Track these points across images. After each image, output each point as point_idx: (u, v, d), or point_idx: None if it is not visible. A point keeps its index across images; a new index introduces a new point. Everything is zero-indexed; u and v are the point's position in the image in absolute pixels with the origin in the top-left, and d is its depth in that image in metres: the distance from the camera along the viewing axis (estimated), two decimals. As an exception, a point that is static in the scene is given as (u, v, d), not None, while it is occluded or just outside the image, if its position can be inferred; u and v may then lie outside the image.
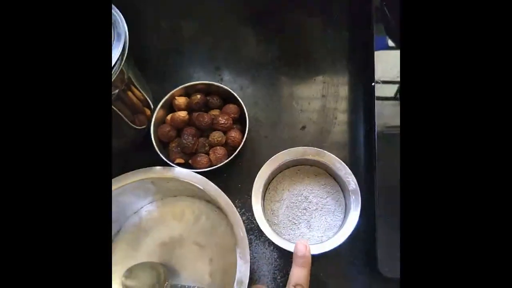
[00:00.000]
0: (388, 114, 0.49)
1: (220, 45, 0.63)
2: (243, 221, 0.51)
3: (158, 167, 0.45)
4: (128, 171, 0.46)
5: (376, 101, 0.50)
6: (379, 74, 0.51)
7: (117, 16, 0.40)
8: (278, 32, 0.63)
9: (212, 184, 0.44)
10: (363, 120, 0.56)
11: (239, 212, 0.52)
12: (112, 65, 0.38)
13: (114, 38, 0.39)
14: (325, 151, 0.46)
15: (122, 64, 0.40)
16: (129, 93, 0.47)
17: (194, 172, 0.45)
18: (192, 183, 0.44)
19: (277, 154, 0.46)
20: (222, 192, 0.43)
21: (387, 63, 0.53)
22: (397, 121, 0.49)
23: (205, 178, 0.44)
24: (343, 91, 0.58)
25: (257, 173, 0.46)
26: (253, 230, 0.51)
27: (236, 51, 0.62)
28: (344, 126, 0.56)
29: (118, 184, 0.44)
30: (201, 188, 0.43)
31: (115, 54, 0.39)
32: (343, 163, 0.45)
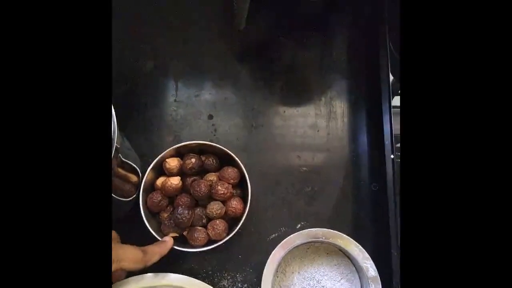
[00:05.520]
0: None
1: (211, 90, 0.56)
2: (245, 298, 0.47)
3: (149, 274, 0.41)
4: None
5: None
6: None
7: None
8: (277, 70, 0.57)
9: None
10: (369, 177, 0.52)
11: (240, 288, 0.48)
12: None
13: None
14: (340, 233, 0.42)
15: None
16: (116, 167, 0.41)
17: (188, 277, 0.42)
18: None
19: (286, 239, 0.41)
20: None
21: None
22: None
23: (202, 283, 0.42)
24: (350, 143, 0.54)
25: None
26: (258, 307, 0.46)
27: (229, 95, 0.56)
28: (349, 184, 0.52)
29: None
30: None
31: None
32: (360, 246, 0.41)
